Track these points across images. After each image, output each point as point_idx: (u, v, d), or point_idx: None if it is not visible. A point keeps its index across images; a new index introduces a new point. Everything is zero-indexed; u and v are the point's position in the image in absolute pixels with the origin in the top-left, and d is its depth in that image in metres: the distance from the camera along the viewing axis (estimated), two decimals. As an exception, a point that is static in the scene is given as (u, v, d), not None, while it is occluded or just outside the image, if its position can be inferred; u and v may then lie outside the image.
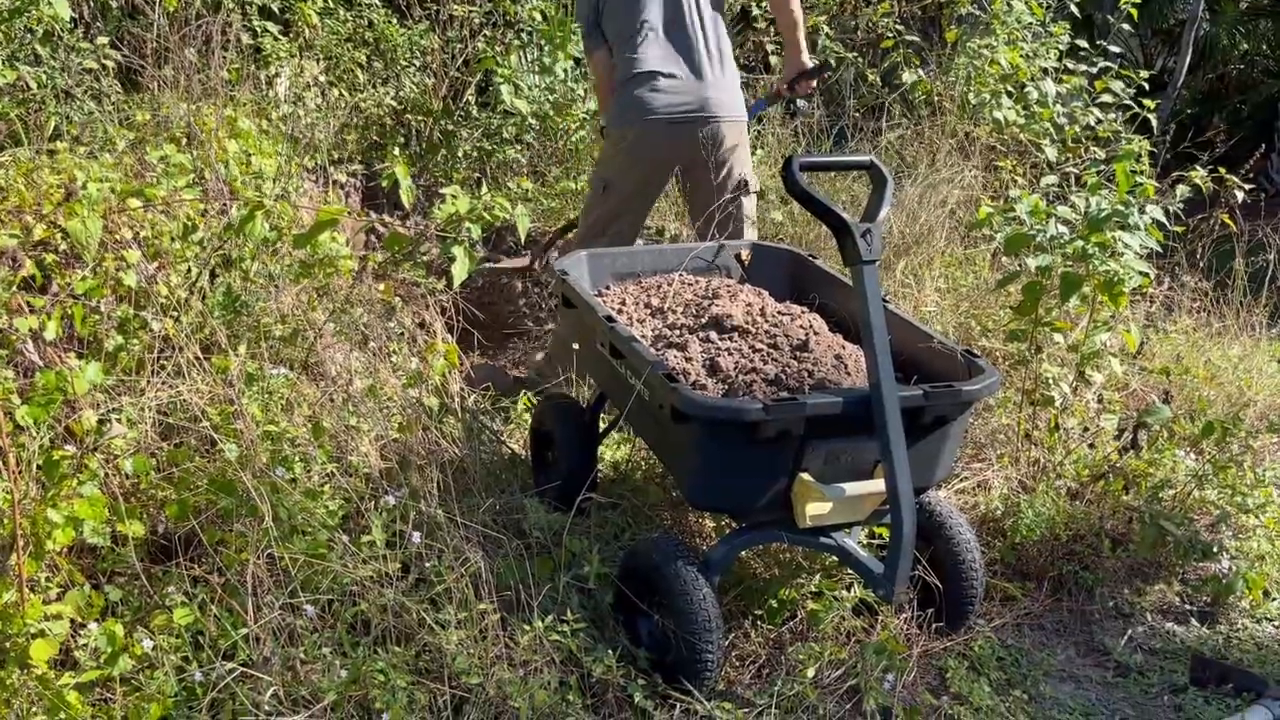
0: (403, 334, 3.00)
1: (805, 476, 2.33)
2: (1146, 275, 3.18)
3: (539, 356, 3.89)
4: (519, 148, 5.67)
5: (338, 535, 2.35)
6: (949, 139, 4.07)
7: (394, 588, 2.29)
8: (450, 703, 2.18)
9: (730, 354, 2.56)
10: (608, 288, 3.12)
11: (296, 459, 2.54)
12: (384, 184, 2.86)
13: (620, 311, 2.89)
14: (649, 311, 2.84)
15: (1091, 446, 3.26)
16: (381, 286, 3.09)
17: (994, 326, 3.77)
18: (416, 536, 2.29)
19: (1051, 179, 3.36)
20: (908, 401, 2.31)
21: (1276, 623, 2.90)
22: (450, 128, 5.73)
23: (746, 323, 2.64)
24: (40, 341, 2.36)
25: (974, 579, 2.60)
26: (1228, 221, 3.94)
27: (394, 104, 5.75)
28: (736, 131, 3.58)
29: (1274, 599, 2.98)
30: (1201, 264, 4.09)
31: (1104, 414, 3.22)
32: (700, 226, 3.64)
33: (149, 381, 2.68)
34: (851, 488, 2.34)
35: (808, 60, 3.69)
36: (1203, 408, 3.28)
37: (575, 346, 3.32)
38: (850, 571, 2.61)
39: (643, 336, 2.69)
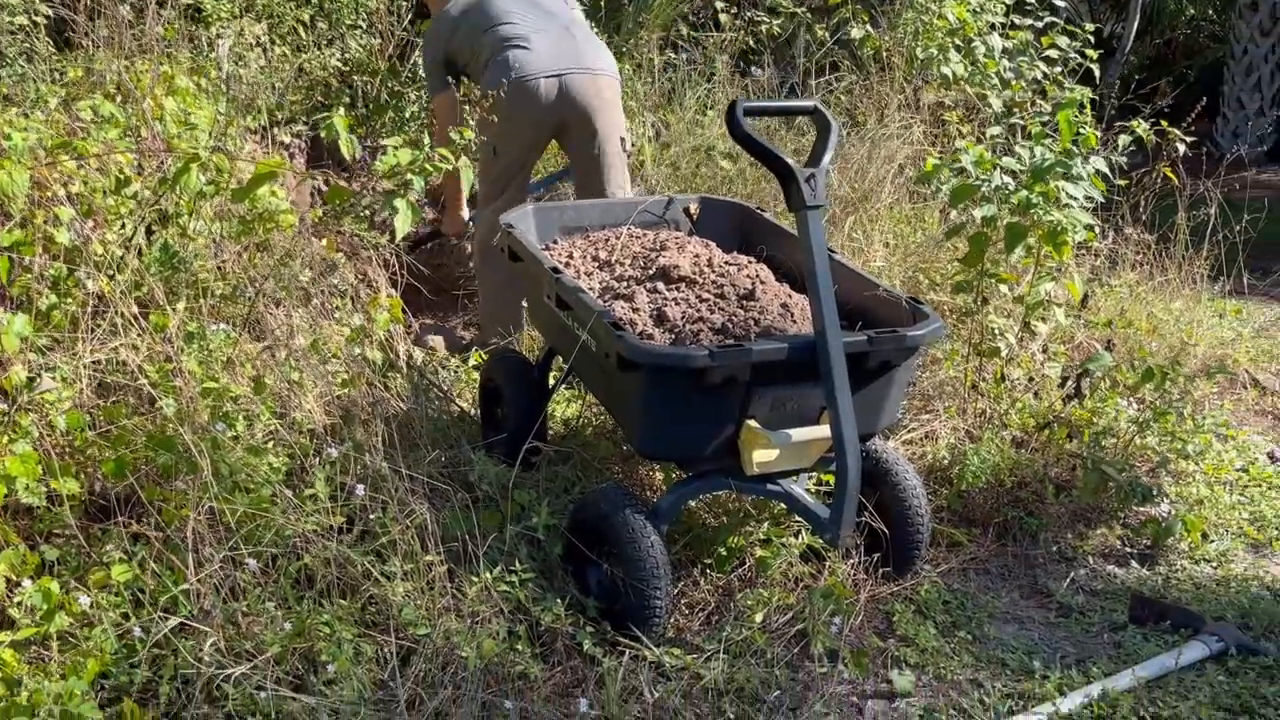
0: (345, 290, 2.95)
1: (752, 423, 2.33)
2: (1090, 228, 3.22)
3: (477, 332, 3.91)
4: (467, 108, 5.59)
5: (281, 490, 2.32)
6: (897, 95, 4.08)
7: (338, 541, 2.26)
8: (397, 653, 2.17)
9: (677, 304, 2.55)
10: (555, 241, 3.09)
11: (239, 416, 2.50)
12: (324, 135, 2.80)
13: (568, 265, 2.87)
14: (596, 264, 2.82)
15: (1037, 396, 3.30)
16: (323, 242, 3.04)
17: (942, 280, 3.79)
18: (360, 489, 2.26)
19: (996, 130, 3.38)
20: (852, 347, 2.31)
21: (1214, 564, 2.97)
22: (398, 88, 5.64)
23: (694, 273, 2.63)
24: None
25: (920, 525, 2.62)
26: (1170, 175, 3.99)
27: (339, 64, 5.64)
28: (608, 86, 3.66)
29: (1212, 541, 3.05)
30: (1144, 218, 4.14)
31: (1049, 364, 3.25)
32: (580, 180, 3.72)
33: (84, 340, 2.62)
34: (798, 434, 2.34)
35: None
36: (1143, 356, 3.33)
37: (525, 302, 3.31)
38: (798, 518, 2.63)
39: (590, 289, 2.67)
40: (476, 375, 3.44)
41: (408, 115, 5.62)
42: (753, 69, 3.81)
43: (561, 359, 3.03)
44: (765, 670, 2.33)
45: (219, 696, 2.06)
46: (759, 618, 2.42)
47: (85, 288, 2.71)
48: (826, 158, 2.33)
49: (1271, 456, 3.72)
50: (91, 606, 2.12)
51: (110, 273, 2.81)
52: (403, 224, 2.68)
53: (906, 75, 4.15)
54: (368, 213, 3.39)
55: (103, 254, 2.84)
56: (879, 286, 2.63)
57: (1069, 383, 3.23)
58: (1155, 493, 2.98)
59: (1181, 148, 3.74)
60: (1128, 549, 3.02)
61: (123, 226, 2.85)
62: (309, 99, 5.51)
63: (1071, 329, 3.80)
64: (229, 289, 2.97)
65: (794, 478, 2.52)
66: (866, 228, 3.90)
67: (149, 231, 3.00)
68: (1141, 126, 3.37)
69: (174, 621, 2.12)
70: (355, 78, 5.72)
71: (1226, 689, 2.31)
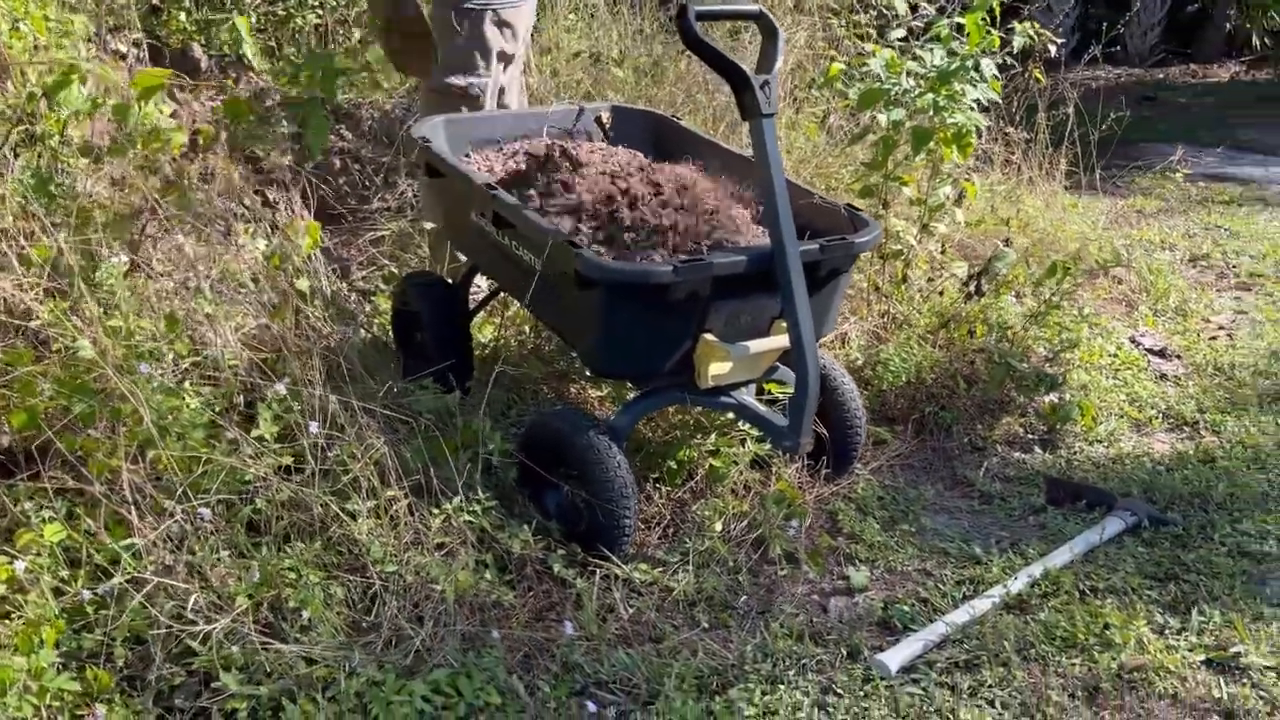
0: (249, 215, 2.74)
1: (709, 337, 2.33)
2: (982, 128, 3.32)
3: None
4: (318, 14, 5.24)
5: (224, 431, 2.17)
6: (783, -2, 4.06)
7: (292, 481, 2.15)
8: (368, 593, 2.09)
9: (624, 218, 2.48)
10: (467, 155, 2.96)
11: (154, 356, 2.31)
12: (170, 46, 2.54)
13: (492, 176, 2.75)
14: (529, 180, 2.71)
15: (941, 294, 3.42)
16: (219, 162, 2.80)
17: (838, 185, 3.86)
18: (315, 426, 2.14)
19: (900, 33, 3.42)
20: (806, 256, 2.33)
21: (1105, 444, 3.20)
22: (235, -12, 5.22)
23: (640, 189, 2.57)
24: None
25: (858, 427, 2.71)
26: (1039, 78, 4.15)
27: (168, -38, 5.12)
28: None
29: (1100, 423, 3.28)
30: (1019, 118, 4.31)
31: (955, 263, 3.38)
32: None
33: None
34: (755, 345, 2.36)
35: None
36: (1036, 254, 3.50)
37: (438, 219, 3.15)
38: (744, 427, 2.66)
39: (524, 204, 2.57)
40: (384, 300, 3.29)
41: (255, 20, 5.22)
42: None
43: (489, 279, 2.94)
44: (730, 577, 2.38)
45: (182, 653, 1.94)
46: (718, 527, 2.46)
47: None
48: (777, 64, 2.30)
49: (1133, 340, 4.01)
50: (25, 572, 1.95)
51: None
52: (318, 137, 2.49)
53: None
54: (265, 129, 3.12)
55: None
56: (815, 195, 2.65)
57: (970, 281, 3.36)
58: (1060, 381, 3.17)
59: (1053, 49, 3.89)
60: (1030, 435, 3.22)
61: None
62: (140, 3, 5.02)
63: (951, 228, 3.95)
64: (114, 216, 2.72)
65: (744, 388, 2.54)
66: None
67: (14, 154, 2.69)
68: (1026, 28, 3.48)
69: (115, 581, 1.97)
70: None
71: (1148, 558, 2.51)
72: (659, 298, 2.21)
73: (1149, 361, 3.80)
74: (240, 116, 2.70)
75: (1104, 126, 4.42)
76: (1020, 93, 4.17)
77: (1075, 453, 3.14)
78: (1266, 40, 11.45)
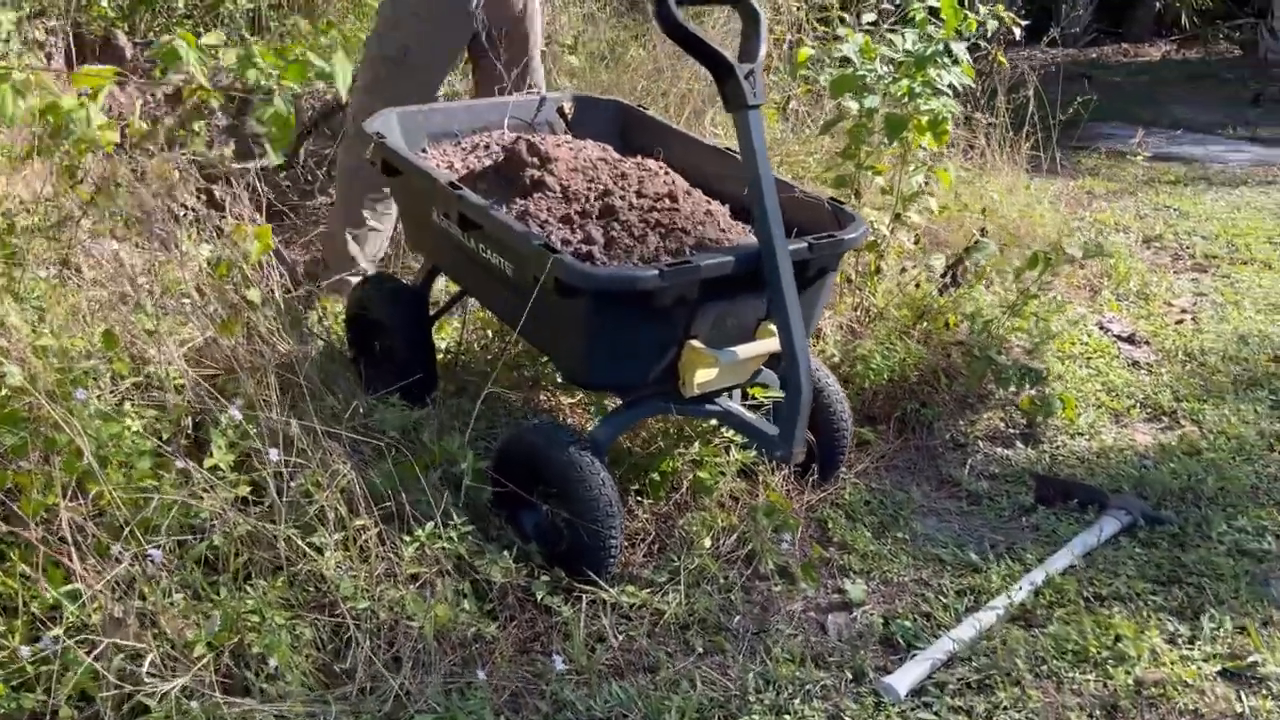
0: (192, 218, 2.53)
1: (695, 343, 2.19)
2: (957, 114, 3.23)
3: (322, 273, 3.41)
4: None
5: (172, 461, 1.98)
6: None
7: (251, 514, 1.97)
8: (340, 634, 1.93)
9: (598, 218, 2.33)
10: (424, 150, 2.78)
11: (90, 377, 2.11)
12: (92, 33, 2.32)
13: (452, 173, 2.58)
14: (494, 178, 2.54)
15: (917, 287, 3.33)
16: (152, 163, 2.59)
17: (805, 174, 3.74)
18: (275, 454, 1.96)
19: (871, 17, 3.31)
20: (795, 255, 2.20)
21: (1087, 437, 3.13)
22: (160, -27, 4.93)
23: (613, 185, 2.42)
24: None
25: (845, 430, 2.60)
26: (1002, 61, 4.07)
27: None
28: None
29: (1080, 414, 3.21)
30: (983, 102, 4.24)
31: (933, 255, 3.28)
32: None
33: None
34: (744, 350, 2.23)
35: None
36: (1011, 243, 3.42)
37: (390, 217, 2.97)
38: (729, 434, 2.53)
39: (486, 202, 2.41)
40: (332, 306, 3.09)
41: (181, 6, 4.94)
42: None
43: (453, 282, 2.77)
44: (723, 596, 2.25)
45: (135, 711, 1.76)
46: (707, 543, 2.33)
47: None
48: (761, 52, 2.16)
49: (1101, 326, 3.96)
50: (-45, 629, 1.75)
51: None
52: (280, 141, 2.28)
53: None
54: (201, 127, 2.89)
55: None
56: (795, 189, 2.52)
57: (947, 272, 3.27)
58: (1044, 374, 3.09)
59: (1017, 31, 3.81)
60: (1011, 430, 3.14)
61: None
62: (59, -13, 4.71)
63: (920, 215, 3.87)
64: (40, 221, 2.50)
65: (729, 394, 2.41)
66: (725, 123, 3.77)
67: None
68: (1001, 9, 3.39)
69: (56, 632, 1.79)
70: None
71: (1148, 560, 2.44)
72: (644, 304, 2.07)
73: (1119, 349, 3.75)
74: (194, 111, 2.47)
75: (1068, 111, 4.36)
76: (984, 76, 4.09)
77: (1059, 447, 3.07)
78: (1195, 19, 11.61)
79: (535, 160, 2.45)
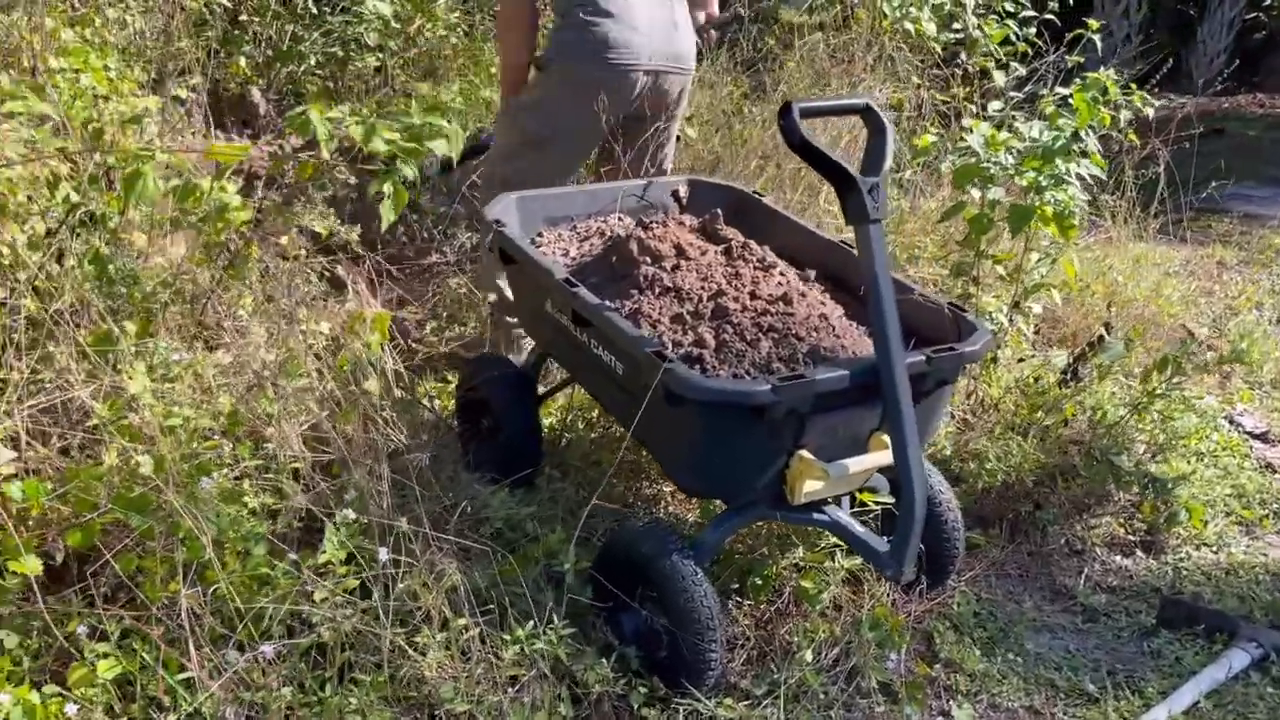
0: (316, 295, 2.61)
1: (805, 454, 2.15)
2: (1084, 208, 3.12)
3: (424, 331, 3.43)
4: (379, 56, 5.14)
5: (281, 553, 2.03)
6: (864, 53, 3.88)
7: (358, 611, 2.00)
8: (438, 736, 1.94)
9: (711, 319, 2.32)
10: (540, 234, 2.81)
11: (214, 462, 2.18)
12: (291, 129, 2.40)
13: (567, 262, 2.61)
14: (605, 269, 2.55)
15: (1035, 380, 3.22)
16: (283, 240, 2.68)
17: (920, 255, 3.67)
18: (384, 554, 1.99)
19: (997, 105, 3.23)
20: (912, 369, 2.15)
21: (1214, 548, 2.98)
22: (298, 32, 5.13)
23: (726, 285, 2.40)
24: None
25: (956, 539, 2.52)
26: (1133, 139, 3.93)
27: (226, 2, 5.03)
28: (688, 84, 3.18)
29: (1209, 523, 3.05)
30: (1109, 180, 4.10)
31: (1053, 353, 3.18)
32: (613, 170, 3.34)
33: (11, 375, 2.23)
34: (854, 463, 2.18)
35: (714, 6, 3.35)
36: (1136, 335, 3.28)
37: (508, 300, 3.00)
38: (833, 539, 2.48)
39: (599, 295, 2.42)
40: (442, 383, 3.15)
41: (313, 63, 5.13)
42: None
43: (562, 369, 2.79)
44: (822, 714, 2.20)
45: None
46: (809, 656, 2.28)
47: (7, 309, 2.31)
48: (886, 164, 2.12)
49: (1230, 420, 3.77)
50: (78, 713, 1.81)
51: (33, 285, 2.40)
52: (390, 211, 2.33)
53: (871, 31, 3.95)
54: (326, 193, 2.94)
55: (13, 262, 2.43)
56: (914, 290, 2.47)
57: (1068, 368, 3.16)
58: (1171, 485, 2.95)
59: (1150, 112, 3.67)
60: (1131, 537, 3.00)
61: (50, 235, 2.42)
62: (199, 45, 4.95)
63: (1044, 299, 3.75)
64: (174, 298, 2.60)
65: (838, 503, 2.36)
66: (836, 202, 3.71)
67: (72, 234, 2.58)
68: (1142, 96, 3.27)
69: (173, 718, 1.84)
70: (248, 18, 5.18)
71: (1280, 703, 2.30)
72: (756, 418, 2.04)
73: (1251, 447, 3.57)
74: (312, 177, 2.55)
75: (1199, 172, 4.18)
76: (1111, 156, 3.96)
77: (1183, 558, 2.92)
78: (1342, 68, 11.07)
79: (647, 258, 2.45)
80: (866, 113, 2.18)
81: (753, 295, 2.38)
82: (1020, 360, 3.38)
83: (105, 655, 1.88)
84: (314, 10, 5.18)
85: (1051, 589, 2.77)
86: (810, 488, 2.20)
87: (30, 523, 2.04)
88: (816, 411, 2.12)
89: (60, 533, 2.04)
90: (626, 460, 2.86)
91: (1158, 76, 4.93)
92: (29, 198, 2.38)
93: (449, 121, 2.49)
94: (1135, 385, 3.21)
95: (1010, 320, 3.29)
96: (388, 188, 2.43)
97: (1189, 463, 3.33)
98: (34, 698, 1.76)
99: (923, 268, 3.70)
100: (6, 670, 1.86)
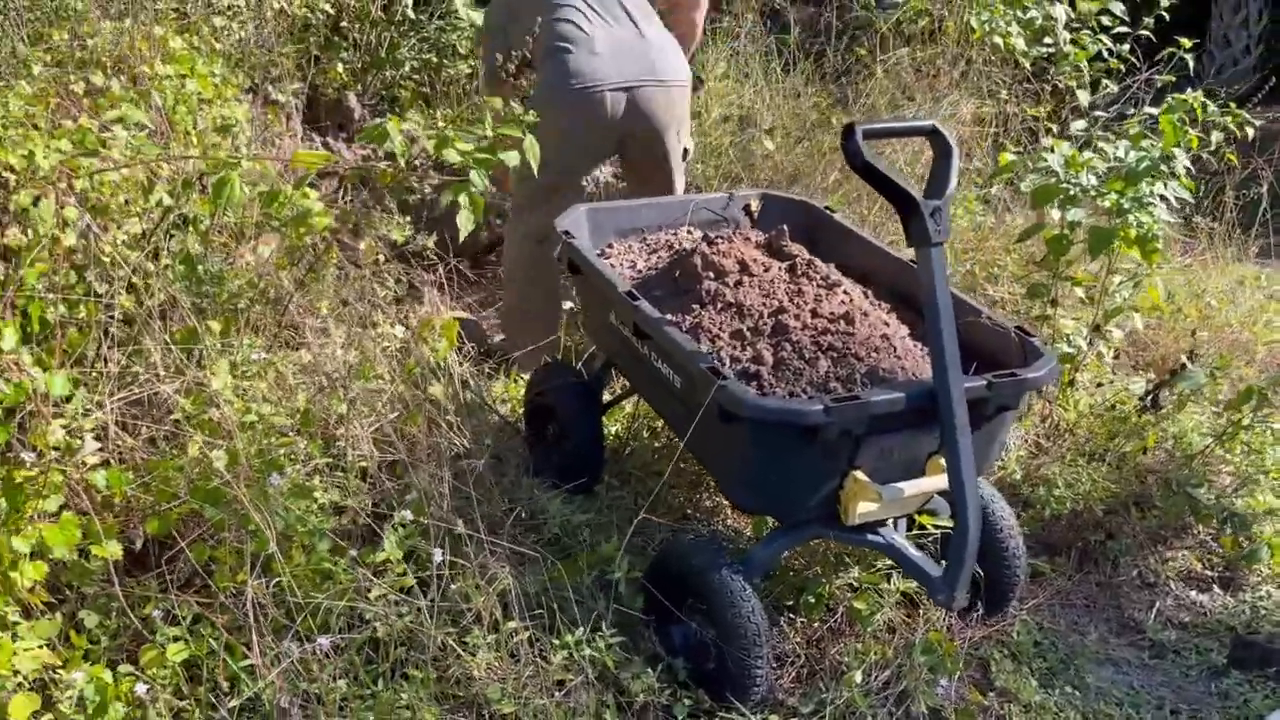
0: (392, 299, 2.70)
1: (859, 475, 2.15)
2: (1169, 232, 3.03)
3: (496, 338, 3.58)
4: (470, 63, 5.25)
5: (343, 549, 2.11)
6: (950, 67, 3.82)
7: (412, 609, 2.06)
8: (484, 734, 2.00)
9: (771, 336, 2.33)
10: (610, 246, 2.86)
11: (286, 458, 2.27)
12: (326, 95, 2.48)
13: (634, 278, 2.64)
14: (670, 282, 2.58)
15: (1112, 408, 3.14)
16: (362, 245, 2.77)
17: (1000, 273, 3.61)
18: (439, 553, 2.05)
19: (1081, 124, 3.16)
20: (972, 393, 2.12)
21: (1296, 587, 2.86)
22: (395, 38, 5.28)
23: (788, 302, 2.41)
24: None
25: (1017, 567, 2.48)
26: (1231, 159, 3.80)
27: (328, 9, 5.20)
28: (680, 99, 3.27)
29: (1292, 561, 2.93)
30: (1204, 202, 3.96)
31: (1131, 379, 3.09)
32: (634, 190, 3.42)
33: (105, 368, 2.36)
34: (909, 487, 2.16)
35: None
36: (1224, 365, 3.17)
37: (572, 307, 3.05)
38: (889, 561, 2.46)
39: (660, 306, 2.45)
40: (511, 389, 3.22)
41: (407, 69, 5.27)
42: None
43: (624, 379, 2.83)
44: (869, 736, 2.19)
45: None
46: (858, 678, 2.27)
47: (110, 305, 2.44)
48: (951, 187, 2.11)
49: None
50: (147, 692, 1.92)
51: (125, 282, 2.53)
52: (467, 222, 2.40)
53: (958, 45, 3.89)
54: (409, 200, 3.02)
55: (113, 260, 2.57)
56: (982, 313, 2.44)
57: (1147, 395, 3.07)
58: (1252, 521, 2.85)
59: (1251, 131, 3.54)
60: (1208, 572, 2.91)
61: (145, 236, 2.55)
62: (301, 51, 5.13)
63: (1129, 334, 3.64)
64: (257, 297, 2.71)
65: (894, 526, 2.35)
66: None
67: (166, 236, 2.72)
68: (1239, 116, 3.16)
69: (233, 704, 1.93)
70: (348, 26, 5.34)
71: (1353, 755, 2.21)
72: (808, 437, 2.04)
73: (1344, 483, 3.41)
74: (390, 183, 2.63)
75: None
76: (1210, 176, 3.83)
77: (1261, 597, 2.81)
78: None
79: (710, 273, 2.47)
80: (933, 135, 2.17)
81: (814, 313, 2.38)
82: (1100, 385, 3.30)
83: (176, 639, 1.98)
84: (412, 16, 5.32)
85: (1119, 622, 2.70)
86: (864, 509, 2.19)
87: (114, 510, 2.16)
88: (871, 433, 2.11)
89: (140, 520, 2.16)
90: (687, 471, 2.89)
91: (1265, 89, 4.75)
92: (126, 201, 2.51)
93: (523, 134, 2.55)
94: (1220, 415, 3.10)
95: (1090, 343, 3.21)
96: (463, 198, 2.50)
97: (1276, 495, 3.21)
98: (106, 676, 1.86)
99: (1004, 286, 3.64)
100: (84, 649, 1.97)
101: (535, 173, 2.85)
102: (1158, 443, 3.06)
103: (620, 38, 3.17)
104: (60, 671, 1.90)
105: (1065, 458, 3.00)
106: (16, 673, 1.86)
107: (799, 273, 2.52)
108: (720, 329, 2.36)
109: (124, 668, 1.97)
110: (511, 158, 2.50)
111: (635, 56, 3.16)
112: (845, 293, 2.45)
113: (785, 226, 2.69)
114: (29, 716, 1.80)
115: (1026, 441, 3.14)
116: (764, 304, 2.41)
